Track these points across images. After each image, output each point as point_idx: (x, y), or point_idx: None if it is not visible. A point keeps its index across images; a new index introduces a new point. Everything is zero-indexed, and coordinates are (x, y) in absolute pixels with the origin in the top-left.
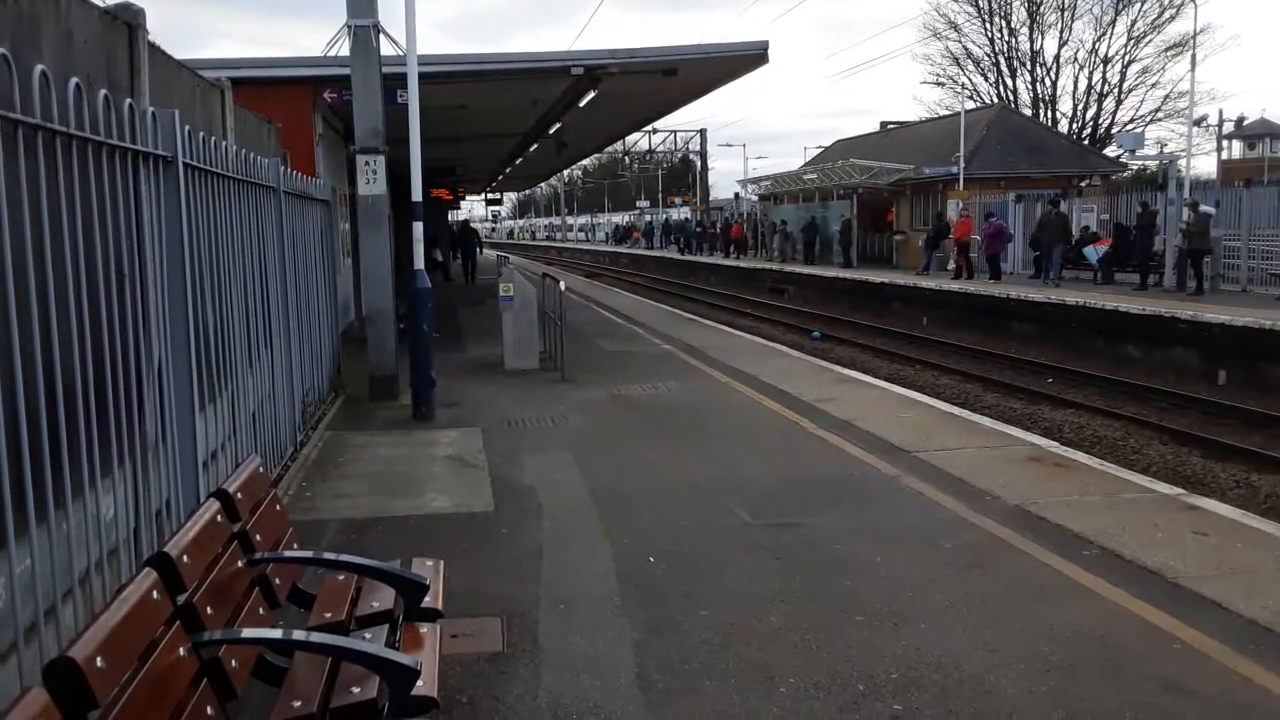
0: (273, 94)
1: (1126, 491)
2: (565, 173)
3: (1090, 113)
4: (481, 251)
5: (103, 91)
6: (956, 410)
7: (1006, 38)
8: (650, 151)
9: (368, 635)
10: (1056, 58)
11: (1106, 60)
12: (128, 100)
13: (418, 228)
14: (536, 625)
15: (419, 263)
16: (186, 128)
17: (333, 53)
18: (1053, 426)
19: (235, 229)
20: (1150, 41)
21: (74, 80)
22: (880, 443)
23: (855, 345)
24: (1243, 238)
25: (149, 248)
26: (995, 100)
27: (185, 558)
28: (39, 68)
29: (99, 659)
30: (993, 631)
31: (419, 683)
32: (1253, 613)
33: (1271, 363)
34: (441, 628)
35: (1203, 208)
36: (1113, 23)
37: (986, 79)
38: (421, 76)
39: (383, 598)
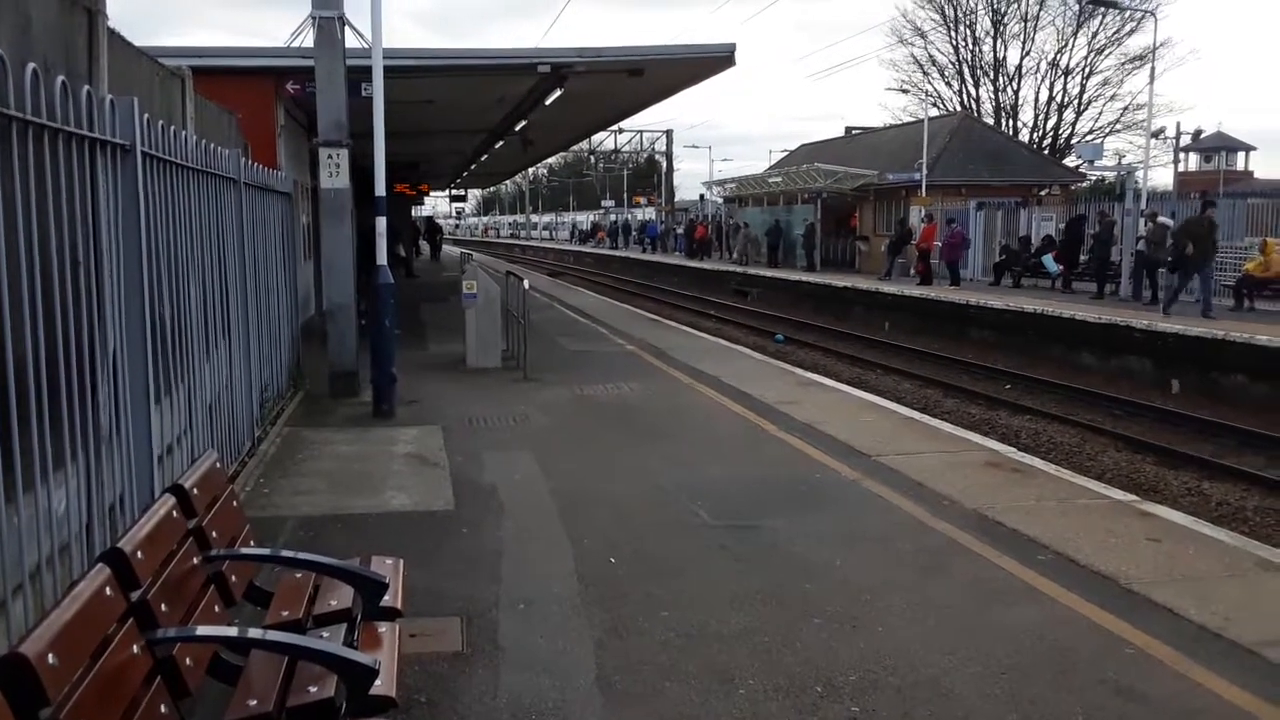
0: (234, 84)
1: (1081, 497)
2: (530, 170)
3: (1051, 123)
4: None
5: (60, 78)
6: (917, 415)
7: (971, 46)
8: (616, 151)
9: (325, 634)
10: (1019, 68)
11: (1068, 71)
12: (85, 87)
13: (381, 223)
14: (496, 625)
15: (382, 258)
16: (145, 116)
17: (297, 43)
18: (1010, 432)
19: (194, 220)
20: (1110, 54)
21: (30, 65)
22: (841, 446)
23: (818, 349)
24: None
25: (105, 237)
26: (959, 108)
27: (139, 554)
28: None
29: (51, 656)
30: (949, 634)
31: (377, 682)
32: (1203, 618)
33: (1223, 372)
34: (400, 627)
35: (1160, 219)
36: (1074, 34)
37: (950, 87)
38: (386, 70)
39: (341, 596)
